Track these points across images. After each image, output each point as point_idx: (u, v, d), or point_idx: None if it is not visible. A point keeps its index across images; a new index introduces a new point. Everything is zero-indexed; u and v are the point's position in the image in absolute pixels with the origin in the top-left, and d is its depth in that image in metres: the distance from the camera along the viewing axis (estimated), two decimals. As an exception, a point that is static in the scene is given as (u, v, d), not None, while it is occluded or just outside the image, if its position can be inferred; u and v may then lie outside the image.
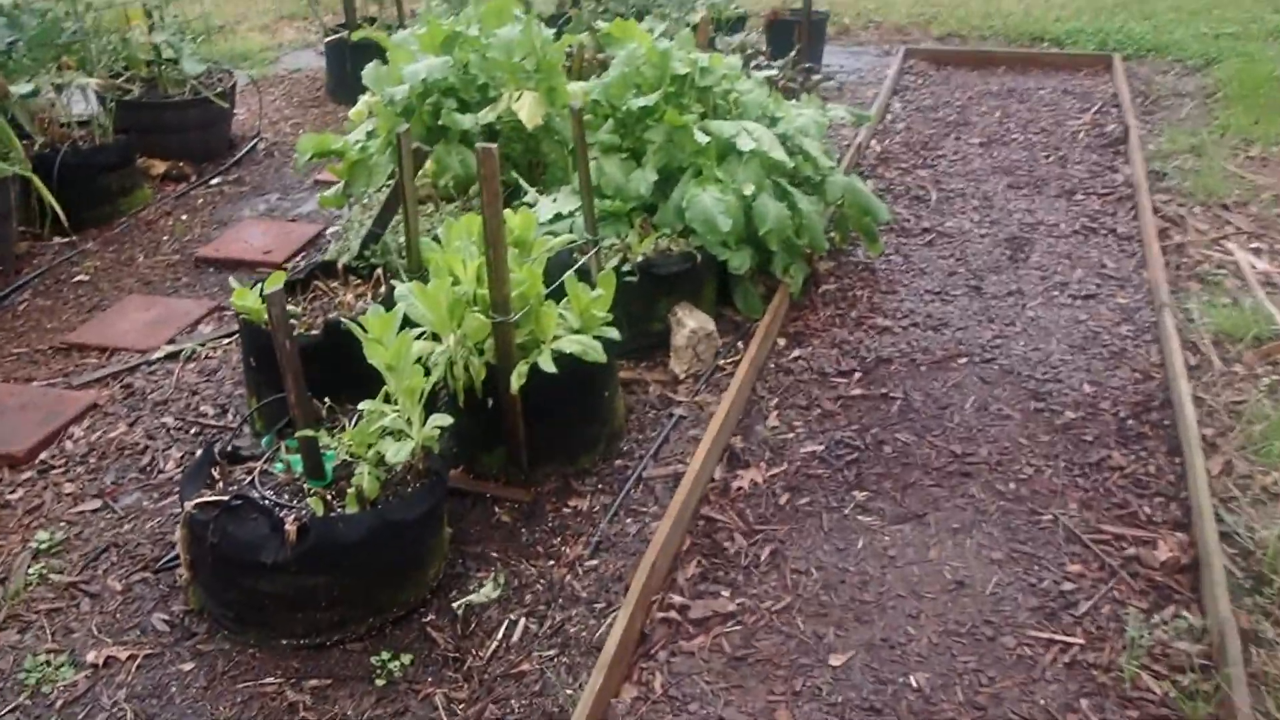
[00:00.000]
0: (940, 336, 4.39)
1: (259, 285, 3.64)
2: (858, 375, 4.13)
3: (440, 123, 4.50)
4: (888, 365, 4.20)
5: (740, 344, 4.33)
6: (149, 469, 3.67)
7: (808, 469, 3.59)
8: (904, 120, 7.01)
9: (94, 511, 3.45)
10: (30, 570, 3.16)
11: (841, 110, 4.90)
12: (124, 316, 4.69)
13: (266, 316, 3.48)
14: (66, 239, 5.50)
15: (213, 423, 3.91)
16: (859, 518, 3.36)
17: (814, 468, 3.60)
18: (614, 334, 3.47)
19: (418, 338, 3.35)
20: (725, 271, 4.36)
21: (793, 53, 6.21)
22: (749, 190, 4.28)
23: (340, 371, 3.26)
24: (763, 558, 3.19)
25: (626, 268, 4.06)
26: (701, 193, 4.20)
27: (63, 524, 3.39)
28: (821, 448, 3.70)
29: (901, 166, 6.22)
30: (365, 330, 3.03)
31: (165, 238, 5.59)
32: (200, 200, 6.09)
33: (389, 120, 4.69)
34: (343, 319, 3.37)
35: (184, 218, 5.84)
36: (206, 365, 4.31)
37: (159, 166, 6.31)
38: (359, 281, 4.02)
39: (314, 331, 3.62)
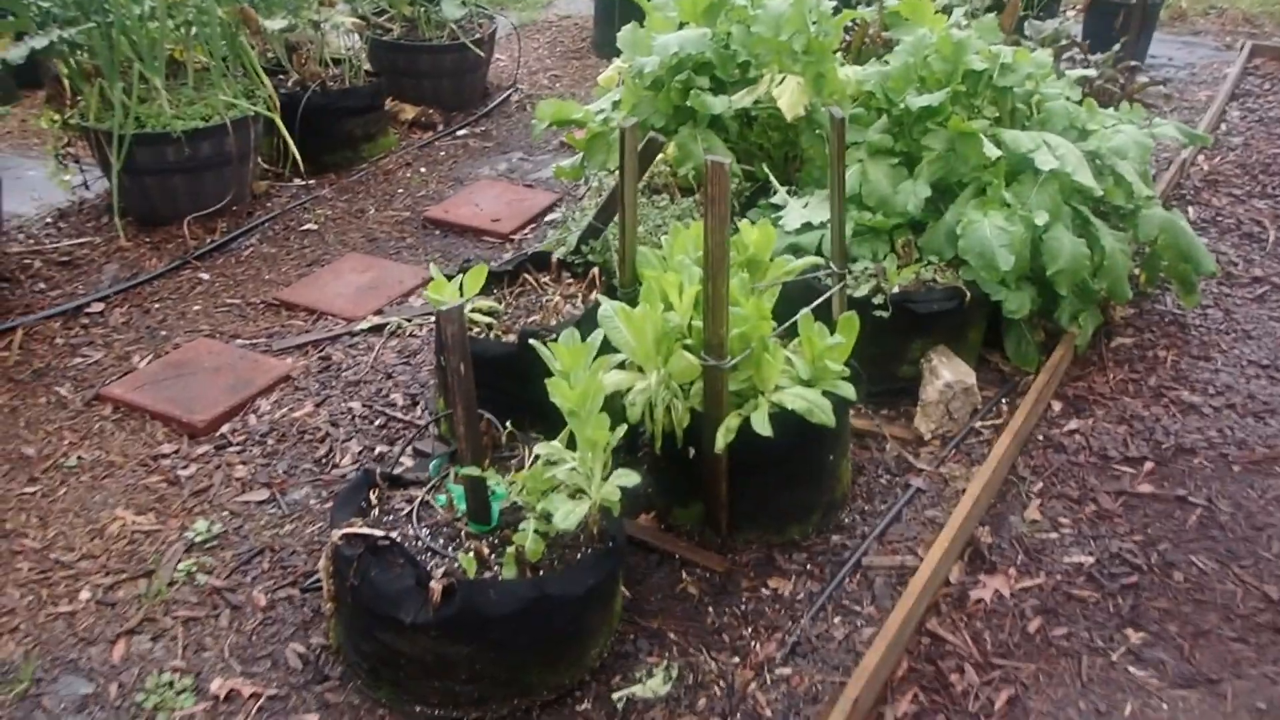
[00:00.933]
0: (1264, 428, 3.50)
1: (459, 278, 3.26)
2: (1149, 466, 3.33)
3: (688, 103, 3.96)
4: (1190, 458, 3.37)
5: (1004, 402, 3.61)
6: (324, 461, 3.39)
7: (1070, 586, 2.88)
8: (1241, 134, 5.89)
9: (259, 504, 3.19)
10: (180, 566, 2.93)
11: (1170, 128, 3.99)
12: (339, 277, 4.47)
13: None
14: (305, 182, 5.37)
15: (400, 415, 3.59)
16: (1130, 669, 2.64)
17: (1079, 586, 2.88)
18: (849, 391, 2.86)
19: (618, 365, 2.88)
20: (997, 311, 3.63)
21: (1116, 47, 5.25)
22: (1041, 219, 3.52)
23: (534, 385, 2.83)
24: (996, 706, 2.53)
25: (878, 299, 3.42)
26: (982, 219, 3.48)
27: (225, 513, 3.15)
28: (1091, 559, 2.96)
29: (1233, 193, 5.18)
30: (548, 352, 2.58)
31: (400, 190, 5.37)
32: (443, 152, 5.84)
33: (634, 94, 4.20)
34: (533, 337, 2.93)
35: (422, 170, 5.60)
36: (408, 344, 4.01)
37: (408, 112, 6.12)
38: (572, 279, 3.57)
39: (508, 338, 3.21)
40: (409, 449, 3.41)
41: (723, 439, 2.74)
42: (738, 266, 3.15)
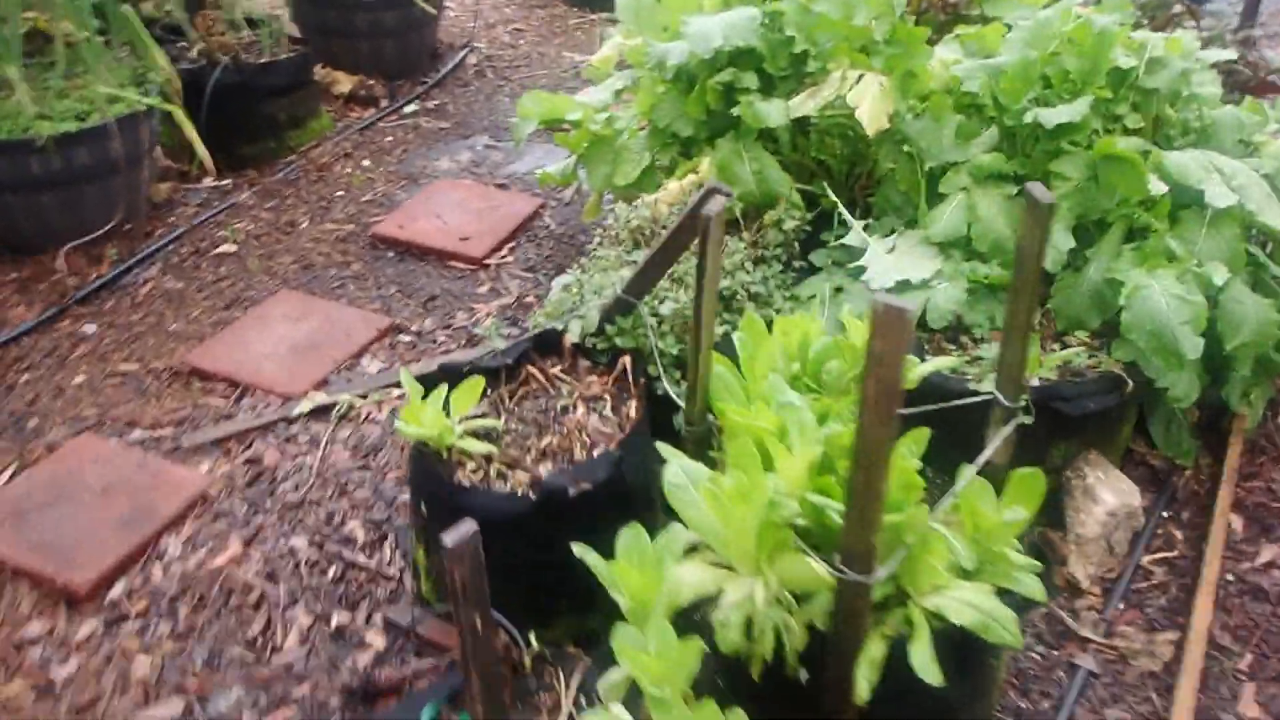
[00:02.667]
0: None
1: (435, 398, 2.29)
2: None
3: (734, 111, 2.96)
4: None
5: (1166, 516, 2.75)
6: (260, 644, 2.43)
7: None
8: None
9: (168, 727, 2.23)
10: None
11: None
12: (267, 327, 3.43)
13: (444, 449, 2.19)
14: (218, 183, 4.27)
15: (362, 560, 2.62)
16: None
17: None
18: (1035, 590, 1.95)
19: (692, 548, 1.97)
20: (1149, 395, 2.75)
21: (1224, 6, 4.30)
22: (1220, 276, 2.62)
23: (559, 550, 1.93)
24: None
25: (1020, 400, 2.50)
26: (1150, 284, 2.56)
27: (117, 750, 2.18)
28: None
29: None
30: (598, 564, 1.66)
31: (339, 194, 4.30)
32: (389, 138, 4.75)
33: (652, 92, 3.19)
34: (558, 500, 2.00)
35: (365, 163, 4.52)
36: (364, 433, 3.03)
37: (344, 83, 5.00)
38: (594, 372, 2.61)
39: (523, 492, 2.25)
40: (379, 618, 2.47)
41: (866, 679, 1.84)
42: (837, 379, 2.22)
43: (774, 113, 2.90)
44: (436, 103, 5.07)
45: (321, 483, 2.86)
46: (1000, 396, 2.10)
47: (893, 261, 2.83)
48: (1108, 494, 2.55)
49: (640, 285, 2.53)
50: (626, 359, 2.55)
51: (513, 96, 5.12)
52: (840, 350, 2.25)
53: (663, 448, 2.03)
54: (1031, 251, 1.87)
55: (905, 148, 2.95)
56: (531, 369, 2.59)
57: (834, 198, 3.06)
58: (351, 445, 2.99)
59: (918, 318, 2.69)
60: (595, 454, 2.38)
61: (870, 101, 2.85)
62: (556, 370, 2.62)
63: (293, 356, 3.31)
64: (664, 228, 2.95)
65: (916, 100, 2.99)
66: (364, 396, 3.17)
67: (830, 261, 2.98)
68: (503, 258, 3.85)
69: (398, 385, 3.20)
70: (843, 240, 2.95)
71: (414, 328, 3.48)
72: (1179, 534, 2.69)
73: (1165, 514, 2.76)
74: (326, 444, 2.99)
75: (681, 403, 2.49)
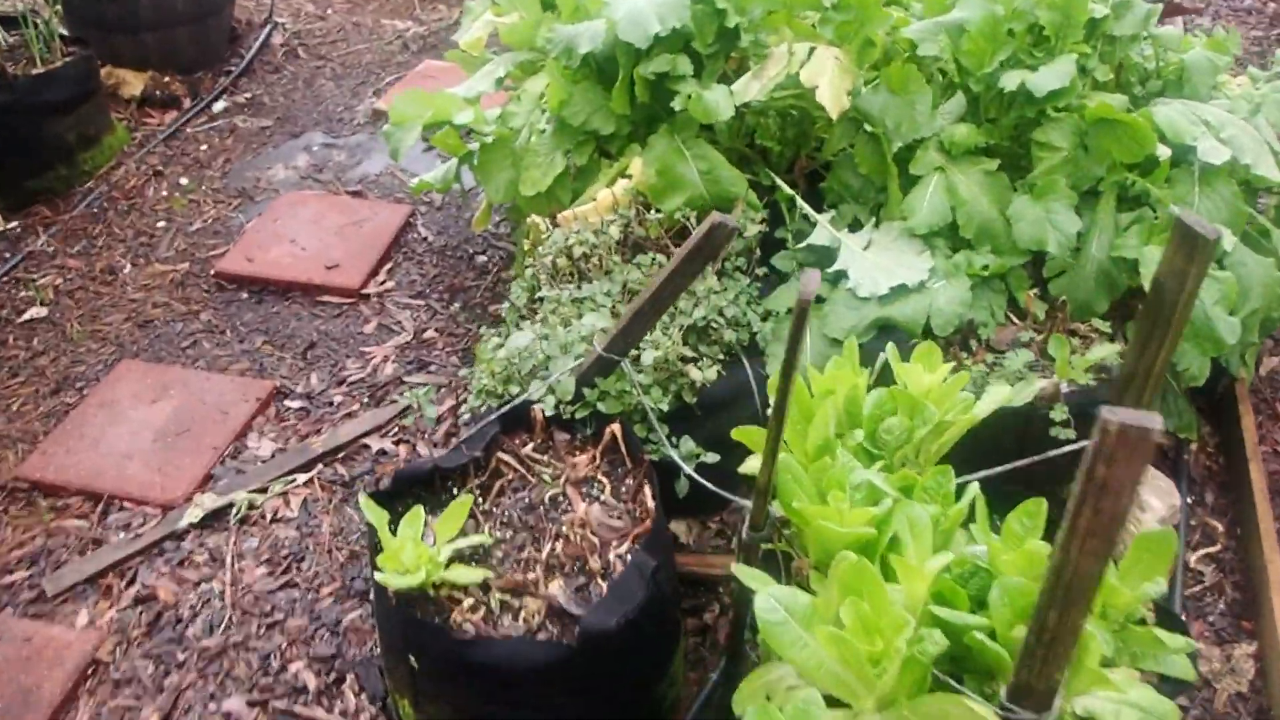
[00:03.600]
0: None
1: (410, 526, 1.82)
2: None
3: (674, 104, 2.52)
4: None
5: (1191, 504, 2.56)
6: None
7: None
8: None
9: None
10: None
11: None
12: (117, 416, 2.79)
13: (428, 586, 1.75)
14: (5, 228, 3.50)
15: (321, 715, 2.12)
16: None
17: None
18: (1185, 669, 1.68)
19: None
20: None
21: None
22: (1229, 242, 2.42)
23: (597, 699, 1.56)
24: None
25: (1056, 414, 2.23)
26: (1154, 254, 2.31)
27: None
28: None
29: None
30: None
31: (160, 224, 3.60)
32: (204, 147, 4.04)
33: (562, 86, 2.70)
34: (600, 642, 1.60)
35: (183, 182, 3.82)
36: (279, 541, 2.49)
37: (133, 83, 4.22)
38: (575, 445, 2.16)
39: (543, 628, 1.82)
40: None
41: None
42: (898, 438, 1.87)
43: (722, 103, 2.48)
44: (249, 95, 4.36)
45: (241, 616, 2.31)
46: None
47: (874, 261, 2.49)
48: (1153, 499, 2.33)
49: (625, 341, 2.09)
50: (616, 428, 2.12)
51: (337, 79, 4.46)
52: (897, 402, 1.90)
53: (743, 571, 1.63)
54: (1176, 292, 1.54)
55: (868, 129, 2.59)
56: (503, 455, 2.12)
57: (788, 189, 2.68)
58: (264, 558, 2.45)
59: (923, 324, 2.38)
60: (612, 558, 1.96)
61: (829, 80, 2.47)
62: (529, 450, 2.16)
63: (160, 450, 2.69)
64: (619, 253, 2.51)
65: (868, 70, 2.63)
66: (264, 490, 2.61)
67: (797, 265, 2.62)
68: (383, 284, 3.30)
69: (303, 470, 2.66)
70: (813, 242, 2.59)
71: (300, 388, 2.92)
72: (1214, 523, 2.51)
73: (1189, 499, 2.57)
74: (233, 561, 2.44)
75: (684, 465, 2.10)
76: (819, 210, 2.67)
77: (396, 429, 2.77)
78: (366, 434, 2.75)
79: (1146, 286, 2.29)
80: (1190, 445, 2.70)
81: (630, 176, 2.66)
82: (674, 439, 2.21)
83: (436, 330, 3.10)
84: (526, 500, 2.06)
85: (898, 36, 2.64)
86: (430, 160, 3.76)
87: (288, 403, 2.87)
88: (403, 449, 2.71)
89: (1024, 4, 2.53)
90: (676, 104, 2.50)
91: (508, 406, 2.13)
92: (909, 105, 2.52)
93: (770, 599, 1.55)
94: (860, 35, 2.53)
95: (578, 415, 2.16)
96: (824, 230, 2.58)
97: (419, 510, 1.85)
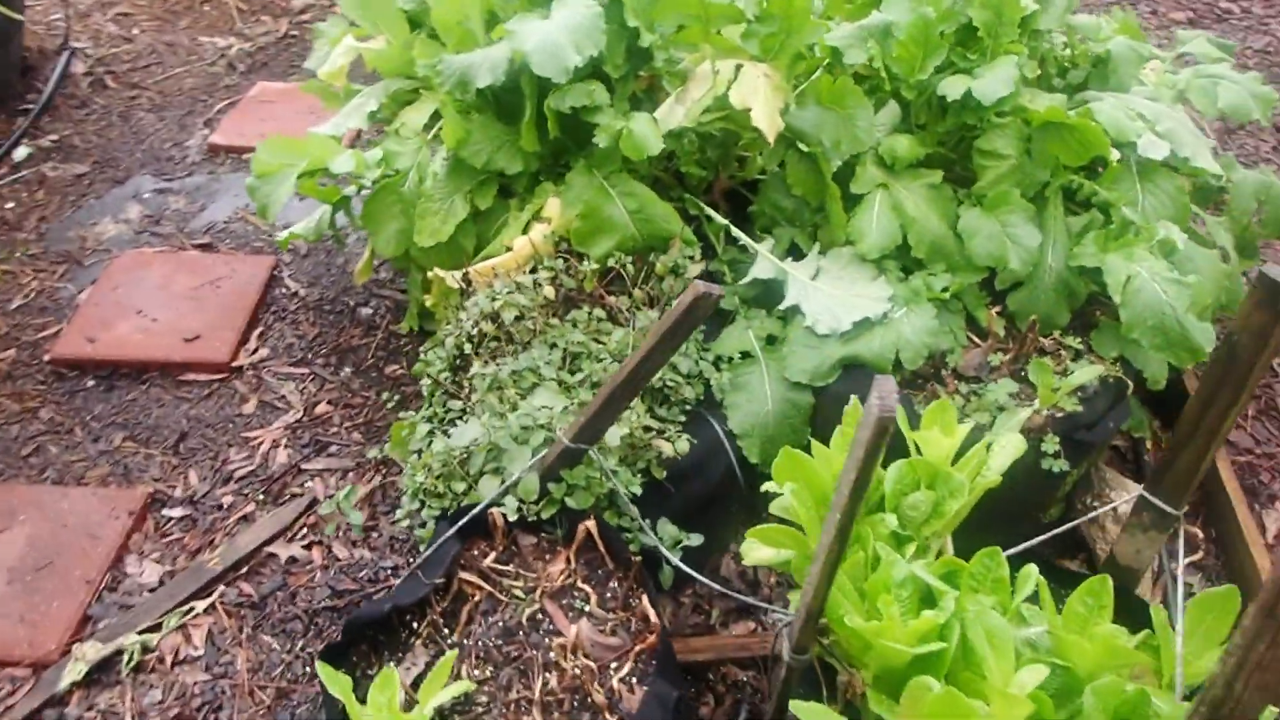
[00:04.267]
0: None
1: (382, 692, 1.52)
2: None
3: (599, 141, 2.24)
4: None
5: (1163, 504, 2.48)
6: None
7: None
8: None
9: None
10: None
11: (1202, 42, 2.86)
12: (-38, 557, 2.34)
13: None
14: None
15: None
16: None
17: None
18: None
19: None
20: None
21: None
22: (1181, 239, 2.33)
23: None
24: None
25: (1047, 446, 2.09)
26: (1136, 269, 2.21)
27: None
28: None
29: None
30: None
31: (-27, 303, 3.09)
32: (10, 204, 3.50)
33: (459, 122, 2.38)
34: None
35: (-7, 250, 3.29)
36: (186, 688, 2.12)
37: (-88, 134, 3.63)
38: (543, 549, 1.89)
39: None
40: None
41: None
42: (924, 513, 1.68)
43: (651, 138, 2.22)
44: (55, 137, 3.81)
45: (157, 793, 1.94)
46: (1157, 500, 1.65)
47: (828, 292, 2.29)
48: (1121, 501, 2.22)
49: (595, 429, 1.81)
50: (590, 525, 1.85)
51: (157, 110, 3.96)
52: (918, 474, 1.70)
53: (803, 709, 1.40)
54: (1255, 351, 1.39)
55: (803, 148, 2.38)
56: (465, 575, 1.82)
57: (720, 218, 2.45)
58: (172, 713, 2.07)
59: (893, 360, 2.19)
60: (615, 684, 1.70)
61: (763, 100, 2.24)
62: (492, 562, 1.87)
63: (19, 594, 2.26)
64: (550, 310, 2.22)
65: (798, 83, 2.42)
66: (157, 628, 2.22)
67: (739, 302, 2.39)
68: (255, 353, 2.90)
69: (202, 594, 2.28)
70: (759, 275, 2.36)
71: (179, 492, 2.52)
72: (1191, 529, 2.43)
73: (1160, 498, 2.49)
74: (131, 710, 2.05)
75: (670, 556, 1.86)
76: (749, 237, 2.45)
77: (304, 529, 2.42)
78: (270, 540, 2.38)
79: (1116, 297, 2.18)
80: (1146, 444, 2.62)
81: (547, 220, 2.37)
82: (649, 522, 1.96)
83: (329, 403, 2.74)
84: (501, 624, 1.77)
85: (821, 45, 2.43)
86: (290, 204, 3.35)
87: (167, 512, 2.47)
88: (316, 553, 2.37)
89: (954, 4, 2.36)
90: (600, 139, 2.22)
91: (466, 518, 1.82)
92: (848, 120, 2.33)
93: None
94: (788, 48, 2.31)
95: (544, 515, 1.88)
96: (766, 262, 2.37)
97: (391, 674, 1.54)
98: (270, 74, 4.22)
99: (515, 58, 2.21)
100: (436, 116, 2.66)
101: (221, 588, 2.29)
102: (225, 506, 2.48)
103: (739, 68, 2.29)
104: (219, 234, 3.34)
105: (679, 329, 1.66)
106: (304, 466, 2.57)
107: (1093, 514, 2.18)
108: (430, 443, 2.07)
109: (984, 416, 2.14)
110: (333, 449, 2.62)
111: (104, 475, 2.57)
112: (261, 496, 2.50)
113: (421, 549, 1.99)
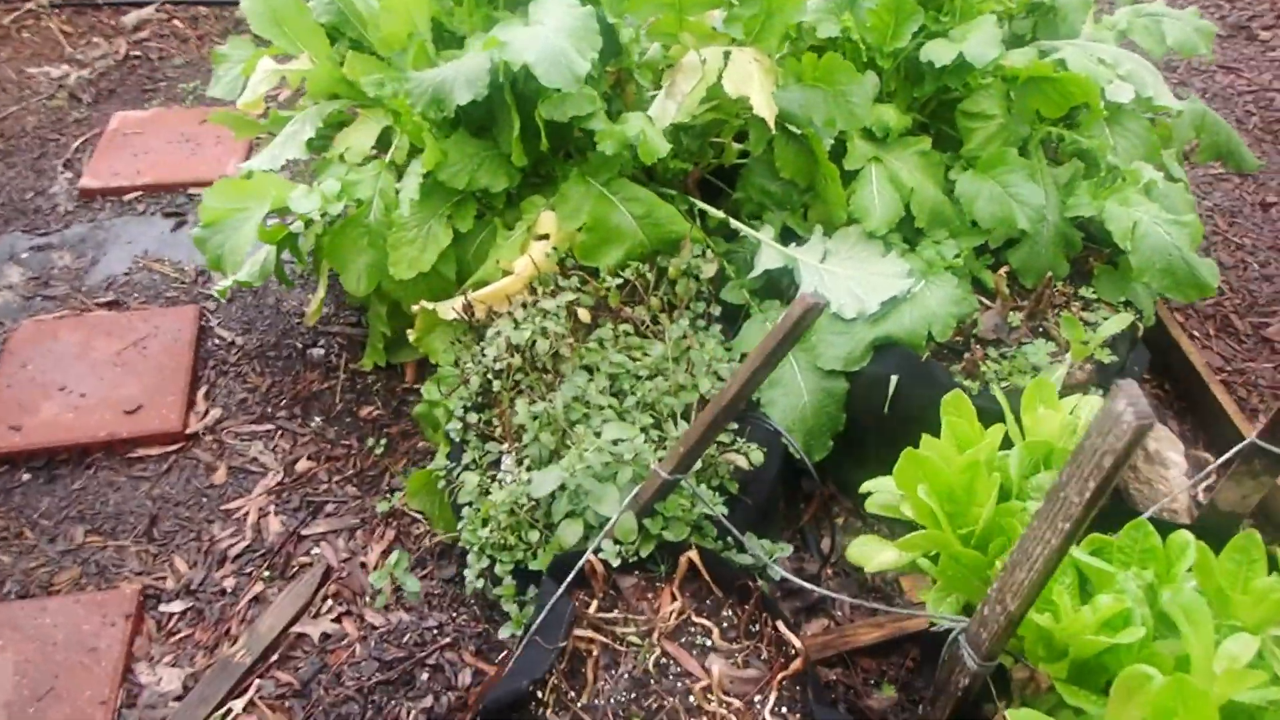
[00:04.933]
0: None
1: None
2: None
3: (606, 149, 2.12)
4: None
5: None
6: None
7: None
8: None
9: None
10: None
11: None
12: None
13: None
14: None
15: None
16: None
17: None
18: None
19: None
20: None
21: None
22: (1157, 176, 2.41)
23: None
24: None
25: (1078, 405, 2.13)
26: (1137, 214, 2.27)
27: None
28: None
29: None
30: None
31: None
32: None
33: (434, 143, 2.21)
34: None
35: None
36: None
37: None
38: (644, 588, 1.79)
39: None
40: None
41: None
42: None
43: (658, 137, 2.11)
44: (-108, 204, 3.36)
45: None
46: (1274, 447, 1.69)
47: (845, 274, 2.26)
48: (1171, 453, 2.29)
49: (691, 457, 1.73)
50: (693, 555, 1.77)
51: (3, 157, 3.55)
52: (1033, 454, 1.69)
53: (1021, 716, 1.37)
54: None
55: (796, 130, 2.33)
56: (578, 631, 1.71)
57: (717, 212, 2.38)
58: (244, 830, 1.88)
59: (925, 335, 2.18)
60: (768, 716, 1.63)
61: (759, 85, 2.18)
62: (595, 611, 1.76)
63: (25, 729, 2.00)
64: (576, 333, 2.10)
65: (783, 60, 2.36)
66: (199, 738, 2.01)
67: (750, 294, 2.33)
68: (207, 416, 2.64)
69: (237, 693, 2.07)
70: (759, 264, 2.31)
71: (170, 584, 2.28)
72: (1201, 454, 2.54)
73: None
74: None
75: (779, 570, 1.81)
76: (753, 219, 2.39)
77: (327, 601, 2.23)
78: (294, 619, 2.19)
79: (1126, 244, 2.23)
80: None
81: (545, 236, 2.24)
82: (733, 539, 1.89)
83: (310, 458, 2.53)
84: (628, 677, 1.68)
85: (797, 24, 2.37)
86: (187, 243, 3.07)
87: (166, 607, 2.23)
88: (349, 625, 2.19)
89: (923, -32, 2.34)
90: (606, 146, 2.10)
91: (574, 570, 1.70)
92: (840, 97, 2.28)
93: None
94: (772, 29, 2.24)
95: (643, 553, 1.78)
96: (772, 251, 2.31)
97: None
98: (122, 102, 3.85)
99: (500, 68, 2.06)
100: (385, 137, 2.48)
101: (256, 681, 2.09)
102: (230, 590, 2.26)
103: (727, 55, 2.21)
104: (123, 289, 3.03)
105: (785, 343, 1.58)
106: (304, 532, 2.37)
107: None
108: (485, 492, 1.93)
109: (1023, 380, 2.15)
110: (329, 508, 2.42)
111: (76, 578, 2.29)
112: (268, 573, 2.29)
113: (475, 602, 1.87)
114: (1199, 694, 1.31)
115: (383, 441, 2.55)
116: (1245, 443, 1.69)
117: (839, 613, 2.24)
